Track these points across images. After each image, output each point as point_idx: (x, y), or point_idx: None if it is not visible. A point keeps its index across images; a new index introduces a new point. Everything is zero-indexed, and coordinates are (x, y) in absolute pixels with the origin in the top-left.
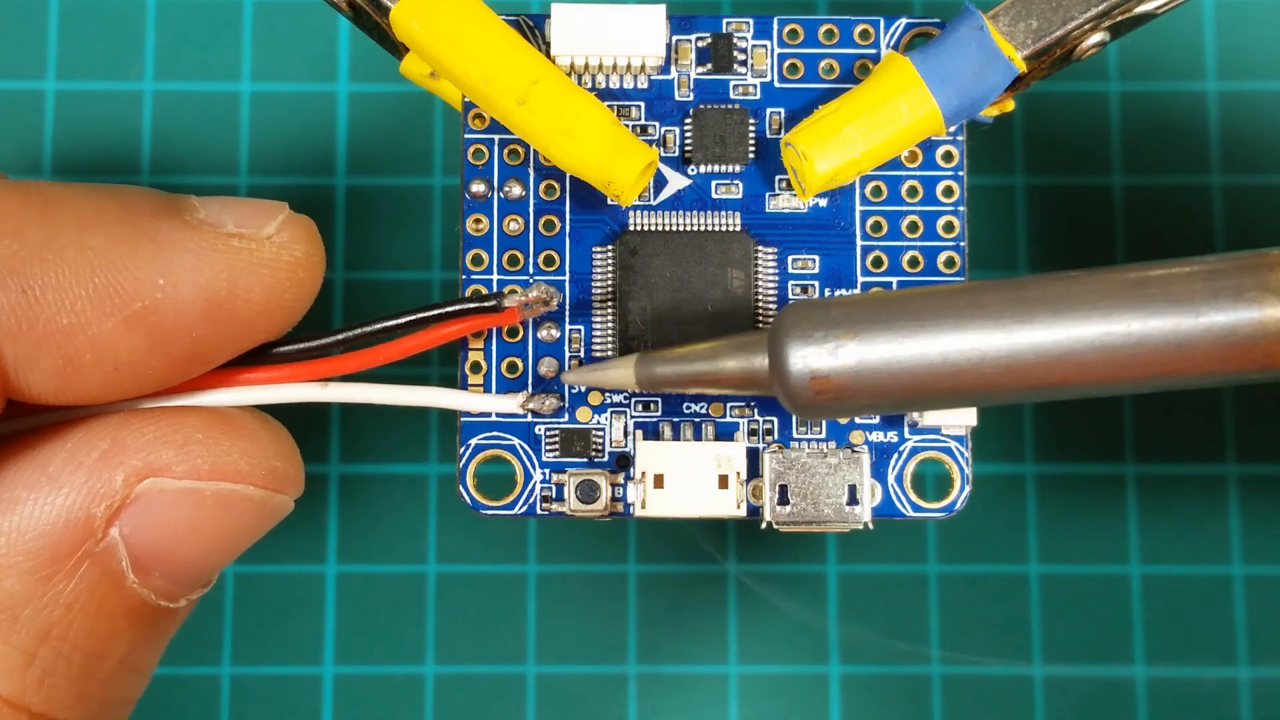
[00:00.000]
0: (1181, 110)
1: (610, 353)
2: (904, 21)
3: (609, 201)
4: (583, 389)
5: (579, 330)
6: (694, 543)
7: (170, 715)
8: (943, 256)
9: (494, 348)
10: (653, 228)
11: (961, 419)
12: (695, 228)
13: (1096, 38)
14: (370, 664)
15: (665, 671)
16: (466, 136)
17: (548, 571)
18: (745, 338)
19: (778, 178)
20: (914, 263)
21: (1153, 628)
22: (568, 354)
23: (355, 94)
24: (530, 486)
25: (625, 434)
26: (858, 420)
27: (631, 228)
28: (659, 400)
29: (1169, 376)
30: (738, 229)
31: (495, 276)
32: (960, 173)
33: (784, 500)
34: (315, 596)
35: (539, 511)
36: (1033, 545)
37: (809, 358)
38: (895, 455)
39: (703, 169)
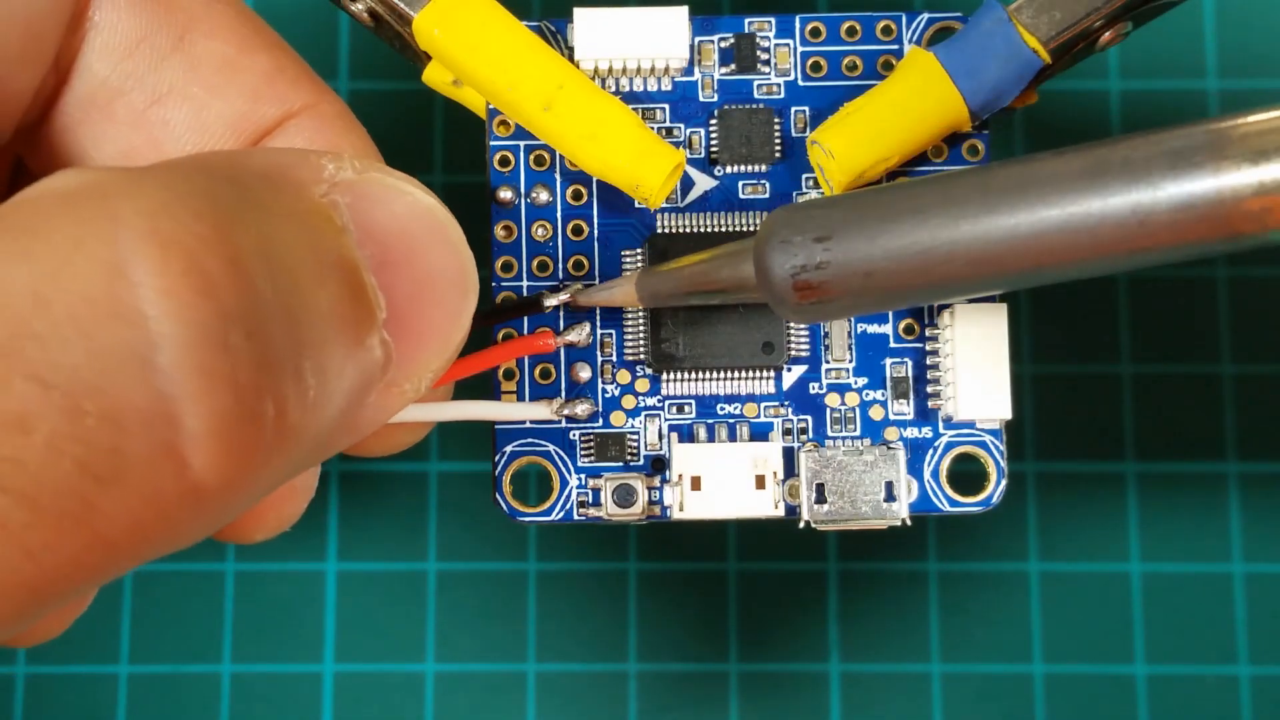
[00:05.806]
0: (1182, 109)
1: (643, 356)
2: (926, 17)
3: (636, 205)
4: (616, 393)
5: (610, 334)
6: (694, 540)
7: (170, 713)
8: None
9: (526, 355)
10: (681, 229)
11: (996, 412)
12: (723, 228)
13: (1120, 27)
14: (370, 662)
15: (665, 670)
16: (491, 143)
17: (548, 569)
18: (736, 246)
19: (805, 176)
20: None
21: (1153, 626)
22: (599, 359)
23: (355, 92)
24: (566, 492)
25: (660, 437)
26: (891, 416)
27: (660, 230)
28: (693, 402)
29: (1139, 252)
30: None
31: (525, 283)
32: None
33: (821, 499)
34: (315, 594)
35: (576, 517)
36: (1033, 543)
37: (789, 263)
38: (930, 451)
39: (729, 169)
